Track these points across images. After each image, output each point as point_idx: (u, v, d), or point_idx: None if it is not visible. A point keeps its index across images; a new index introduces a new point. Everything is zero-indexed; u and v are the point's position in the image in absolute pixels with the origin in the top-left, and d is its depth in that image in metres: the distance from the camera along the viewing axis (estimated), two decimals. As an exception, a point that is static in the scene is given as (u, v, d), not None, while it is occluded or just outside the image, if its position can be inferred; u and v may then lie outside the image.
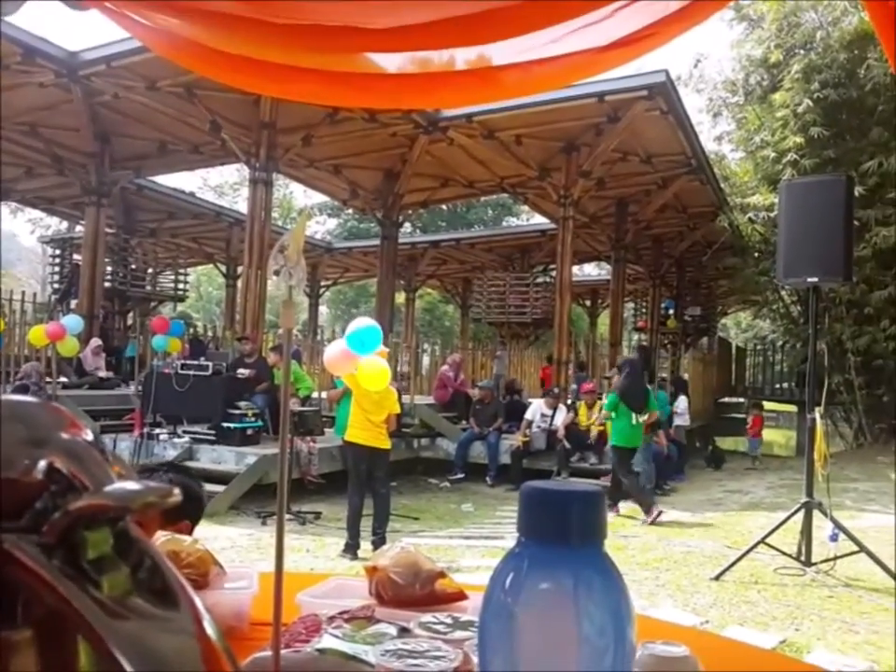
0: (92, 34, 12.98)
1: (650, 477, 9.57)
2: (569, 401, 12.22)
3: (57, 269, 17.28)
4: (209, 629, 0.45)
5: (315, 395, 10.69)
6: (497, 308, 18.56)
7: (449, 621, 1.19)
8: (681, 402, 12.10)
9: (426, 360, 19.69)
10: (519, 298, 17.90)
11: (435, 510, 8.75)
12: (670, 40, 1.75)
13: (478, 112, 11.41)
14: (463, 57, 1.91)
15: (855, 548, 5.62)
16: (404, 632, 1.17)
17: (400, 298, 27.46)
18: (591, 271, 43.01)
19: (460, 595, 1.36)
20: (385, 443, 6.50)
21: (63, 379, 10.97)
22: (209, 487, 7.94)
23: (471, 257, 22.15)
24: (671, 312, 20.31)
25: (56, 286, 16.73)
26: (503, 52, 1.86)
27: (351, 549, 6.46)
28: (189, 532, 1.83)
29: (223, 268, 21.38)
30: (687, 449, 12.39)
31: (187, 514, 1.89)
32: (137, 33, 1.94)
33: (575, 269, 18.88)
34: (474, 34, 1.79)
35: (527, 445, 10.70)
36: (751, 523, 8.04)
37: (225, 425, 8.92)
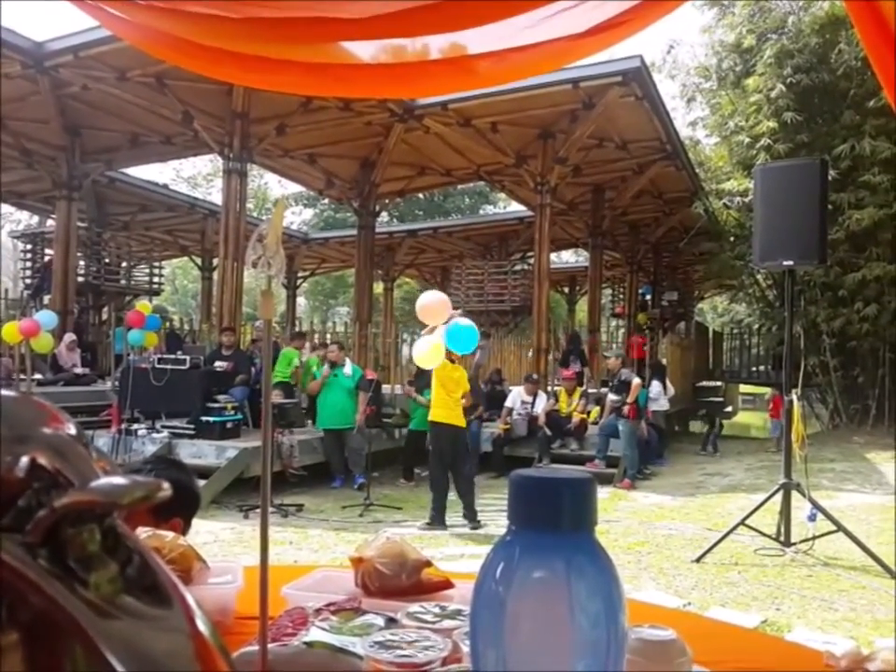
0: (57, 23, 12.75)
1: (633, 462, 9.67)
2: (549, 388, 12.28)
3: (29, 264, 17.03)
4: (202, 627, 0.44)
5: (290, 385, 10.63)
6: (475, 296, 18.53)
7: (437, 610, 1.19)
8: (654, 387, 12.21)
9: (405, 350, 19.67)
10: (497, 286, 17.92)
11: (418, 499, 8.76)
12: (647, 26, 1.75)
13: (453, 100, 11.37)
14: (437, 45, 1.90)
15: (833, 527, 5.71)
16: (392, 622, 1.17)
17: (379, 288, 27.40)
18: (569, 258, 43.13)
19: (447, 584, 1.36)
20: (464, 422, 7.05)
21: (37, 376, 10.83)
22: (189, 482, 7.91)
23: (449, 246, 22.14)
24: (648, 297, 20.44)
25: (28, 281, 16.49)
26: (478, 41, 1.85)
27: (438, 521, 6.92)
28: (183, 531, 1.78)
29: (198, 260, 21.20)
30: (666, 433, 12.49)
31: (179, 511, 1.84)
32: (108, 23, 1.91)
33: (553, 256, 18.91)
34: (447, 21, 1.78)
35: (508, 433, 10.73)
36: (731, 505, 8.14)
37: (204, 419, 8.86)
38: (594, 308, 16.99)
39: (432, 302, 6.45)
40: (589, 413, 11.36)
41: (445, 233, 21.14)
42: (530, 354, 13.65)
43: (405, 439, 9.99)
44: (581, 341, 15.87)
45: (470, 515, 7.16)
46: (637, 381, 9.84)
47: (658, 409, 12.12)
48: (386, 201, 17.62)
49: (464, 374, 7.02)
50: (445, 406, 6.87)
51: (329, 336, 15.43)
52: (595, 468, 9.71)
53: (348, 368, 9.53)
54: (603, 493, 8.83)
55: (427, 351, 6.46)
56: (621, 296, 22.56)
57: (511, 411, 10.99)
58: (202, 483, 7.88)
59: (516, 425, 10.81)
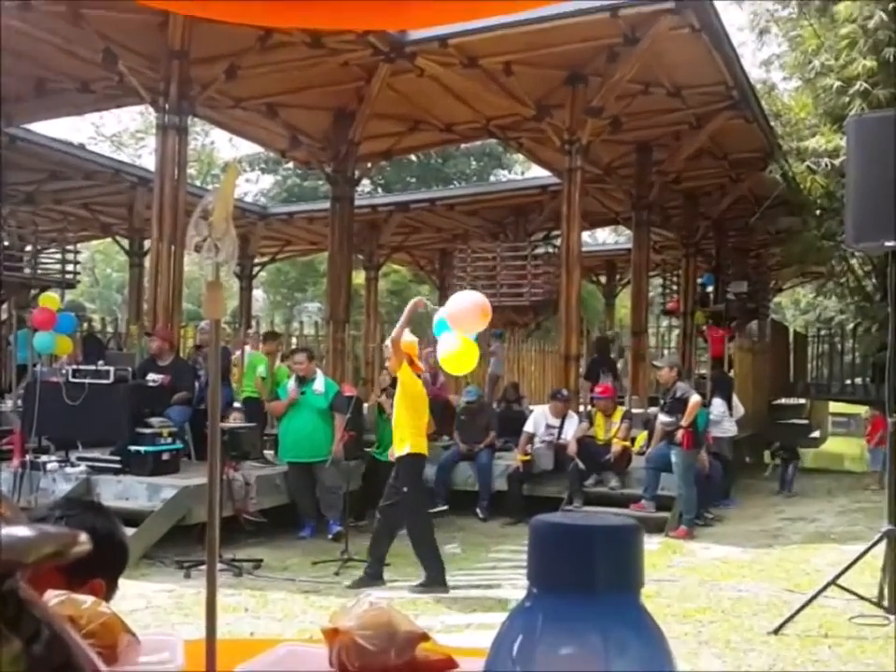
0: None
1: (691, 504, 9.67)
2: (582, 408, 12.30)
3: None
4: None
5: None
6: (485, 289, 18.51)
7: (436, 697, 1.19)
8: (717, 406, 12.22)
9: (394, 358, 19.65)
10: (514, 275, 17.95)
11: (410, 552, 8.76)
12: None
13: (455, 33, 11.38)
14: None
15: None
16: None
17: (359, 277, 27.46)
18: (606, 238, 43.30)
19: (449, 663, 1.37)
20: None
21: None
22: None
23: (451, 222, 22.17)
24: (710, 289, 20.44)
25: None
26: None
27: (436, 581, 6.97)
28: (105, 594, 1.77)
29: (125, 243, 21.23)
30: (733, 465, 12.50)
31: (101, 569, 1.81)
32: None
33: (586, 236, 18.96)
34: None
35: (529, 466, 10.74)
36: (819, 559, 8.14)
37: (133, 448, 8.85)
38: (638, 303, 17.00)
39: (467, 308, 6.32)
40: (633, 440, 11.35)
41: (445, 206, 21.18)
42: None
43: (372, 470, 10.00)
44: (609, 346, 15.89)
45: (373, 572, 7.21)
46: (695, 398, 9.84)
47: (723, 434, 12.13)
48: (369, 164, 17.62)
49: (424, 391, 7.20)
50: (416, 432, 6.99)
51: (294, 341, 15.45)
52: (641, 511, 9.71)
53: (320, 383, 9.54)
54: (652, 544, 8.82)
55: (456, 350, 6.44)
56: (674, 287, 22.59)
57: (531, 437, 10.98)
58: (129, 532, 7.89)
59: (539, 455, 10.81)
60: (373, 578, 7.20)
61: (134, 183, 18.62)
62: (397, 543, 9.14)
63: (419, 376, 7.08)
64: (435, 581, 7.08)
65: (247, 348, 11.85)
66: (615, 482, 10.60)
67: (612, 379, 14.32)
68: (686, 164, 16.17)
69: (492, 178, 38.33)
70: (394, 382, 7.72)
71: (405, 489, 6.91)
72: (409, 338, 7.05)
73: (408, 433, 6.98)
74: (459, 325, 6.34)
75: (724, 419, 12.28)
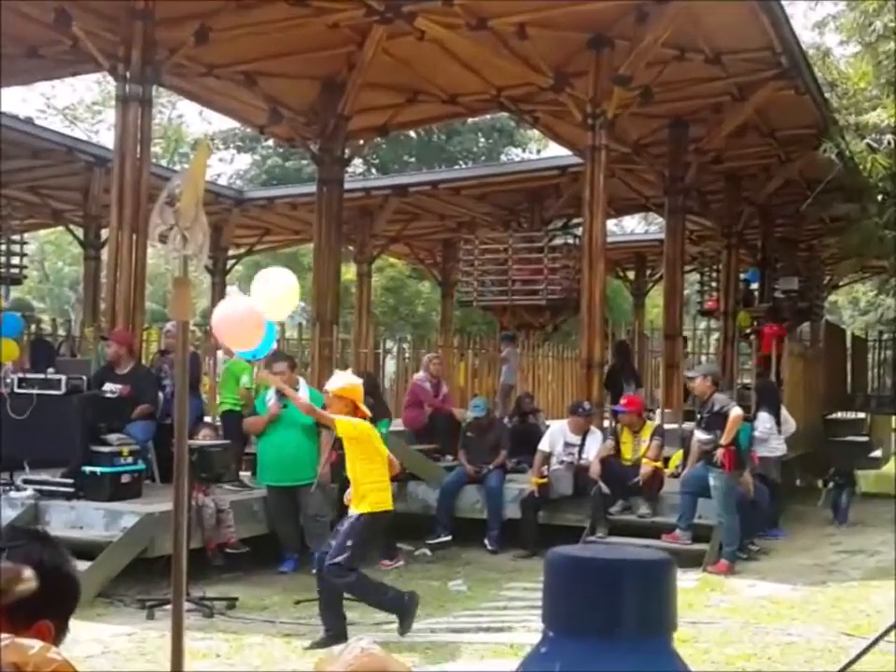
0: None
1: (733, 534, 9.65)
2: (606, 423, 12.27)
3: None
4: None
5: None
6: (495, 285, 18.51)
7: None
8: (763, 421, 12.18)
9: (390, 365, 19.65)
10: (528, 269, 17.91)
11: (409, 590, 8.75)
12: None
13: (461, -10, 11.41)
14: None
15: None
16: None
17: (350, 272, 27.47)
18: (635, 226, 43.28)
19: (453, 718, 1.36)
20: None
21: None
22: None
23: (455, 209, 22.18)
24: (755, 286, 20.42)
25: None
26: None
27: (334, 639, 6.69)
28: (55, 638, 1.77)
29: (79, 232, 21.20)
30: (782, 489, 12.48)
31: (50, 609, 1.80)
32: None
33: (611, 224, 18.94)
34: None
35: (545, 490, 10.73)
36: (880, 598, 8.11)
37: (88, 469, 8.84)
38: (672, 302, 16.99)
39: (237, 315, 5.94)
40: (666, 460, 11.31)
41: (449, 190, 21.17)
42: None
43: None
44: (631, 352, 15.88)
45: (334, 632, 6.85)
46: (736, 412, 9.81)
47: (770, 454, 12.10)
48: (361, 142, 17.59)
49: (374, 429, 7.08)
50: (378, 486, 6.84)
51: (274, 346, 15.42)
52: (675, 542, 9.69)
53: (303, 393, 9.53)
54: (688, 580, 8.81)
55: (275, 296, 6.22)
56: (713, 284, 22.55)
57: (548, 457, 10.97)
58: (83, 566, 7.88)
59: (557, 478, 10.80)
60: (336, 638, 6.73)
61: (90, 163, 18.60)
62: (392, 579, 9.14)
63: (365, 418, 6.94)
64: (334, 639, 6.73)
65: (220, 354, 11.87)
66: (645, 508, 10.57)
67: (635, 388, 14.34)
68: (727, 142, 16.14)
69: (503, 158, 38.36)
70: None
71: (350, 542, 6.73)
72: (348, 381, 6.98)
73: (368, 488, 6.84)
74: (233, 337, 6.25)
75: (772, 436, 12.25)
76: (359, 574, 6.93)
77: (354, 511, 6.85)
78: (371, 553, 7.89)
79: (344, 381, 6.96)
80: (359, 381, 7.15)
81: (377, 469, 6.88)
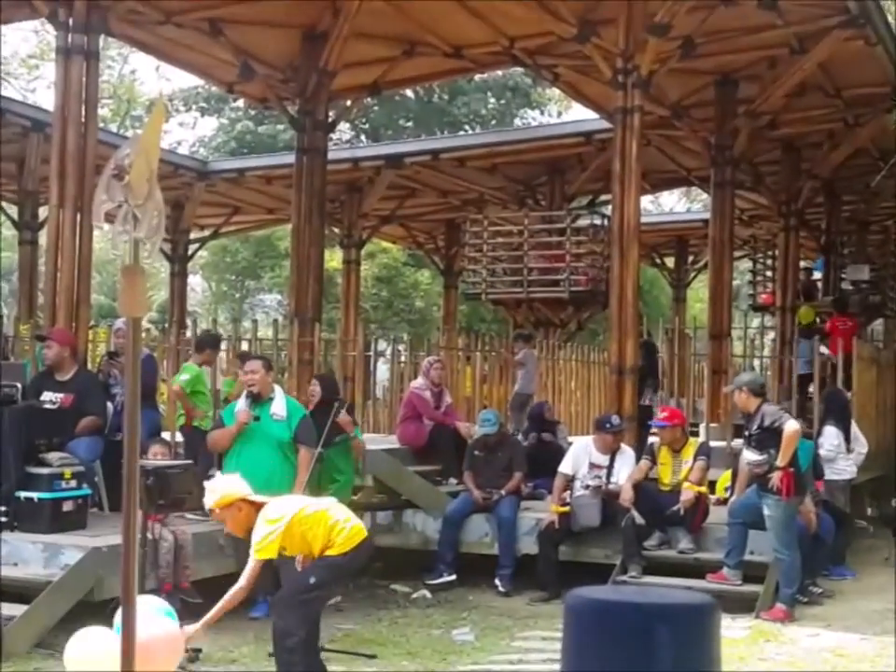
0: None
1: (792, 574, 9.61)
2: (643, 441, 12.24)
3: None
4: None
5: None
6: (507, 275, 18.54)
7: None
8: (829, 436, 12.12)
9: (382, 370, 19.61)
10: (547, 256, 17.96)
11: (405, 640, 8.75)
12: None
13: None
14: None
15: None
16: None
17: (335, 259, 27.48)
18: (674, 205, 43.20)
19: None
20: None
21: None
22: (-4, 607, 7.89)
23: (460, 183, 22.16)
24: (818, 275, 20.41)
25: None
26: None
27: None
28: None
29: (13, 211, 21.20)
30: (851, 520, 12.43)
31: None
32: None
33: (646, 201, 18.90)
34: None
35: (567, 520, 10.72)
36: (967, 649, 8.08)
37: (23, 495, 8.81)
38: (719, 295, 16.97)
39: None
40: (712, 484, 11.29)
41: (453, 161, 21.15)
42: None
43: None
44: (657, 352, 15.86)
45: None
46: (791, 426, 9.73)
47: (837, 477, 12.07)
48: (347, 102, 17.61)
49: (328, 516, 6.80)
50: (338, 535, 6.68)
51: (246, 345, 15.44)
52: (721, 582, 9.69)
53: (280, 404, 9.51)
54: (737, 628, 8.80)
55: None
56: (768, 273, 22.53)
57: (570, 480, 10.97)
58: (17, 610, 7.88)
59: (581, 506, 10.78)
60: None
61: (26, 128, 18.59)
62: (385, 628, 9.16)
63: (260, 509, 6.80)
64: None
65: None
66: (686, 542, 10.55)
67: (652, 393, 14.32)
68: (785, 103, 16.13)
69: (517, 122, 38.37)
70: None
71: (312, 580, 6.68)
72: (223, 488, 6.68)
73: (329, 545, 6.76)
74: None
75: (839, 456, 12.21)
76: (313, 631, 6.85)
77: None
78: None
79: (219, 489, 6.66)
80: (232, 478, 6.95)
81: (320, 536, 6.64)
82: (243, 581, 6.30)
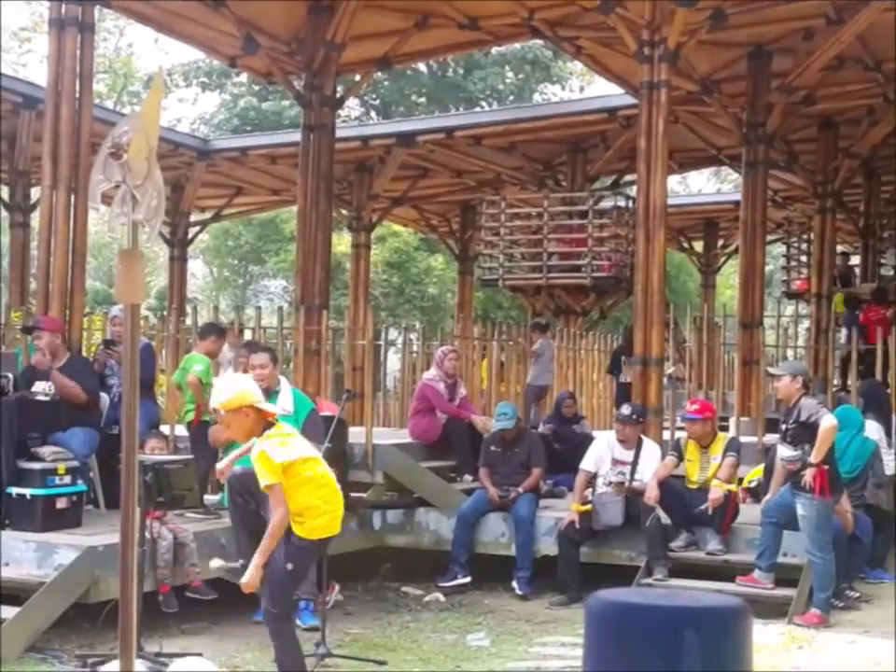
0: None
1: (827, 577, 9.59)
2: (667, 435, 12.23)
3: None
4: None
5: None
6: (526, 260, 18.51)
7: None
8: (869, 429, 12.09)
9: (393, 360, 19.64)
10: (568, 240, 17.93)
11: (417, 645, 8.75)
12: None
13: None
14: None
15: None
16: None
17: (343, 243, 27.49)
18: (703, 186, 43.12)
19: None
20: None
21: None
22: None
23: (476, 162, 22.11)
24: (855, 261, 20.32)
25: None
26: None
27: None
28: None
29: (3, 192, 21.23)
30: (891, 519, 12.40)
31: None
32: None
33: (674, 182, 18.84)
34: None
35: (588, 519, 10.72)
36: None
37: (15, 491, 8.84)
38: (750, 281, 16.93)
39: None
40: (741, 481, 11.27)
41: (469, 139, 21.12)
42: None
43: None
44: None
45: None
46: (828, 422, 9.70)
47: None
48: (357, 77, 17.58)
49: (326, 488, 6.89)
50: (314, 512, 6.74)
51: (250, 334, 15.47)
52: (753, 586, 9.67)
53: (286, 397, 9.52)
54: (770, 634, 8.78)
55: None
56: (803, 258, 22.48)
57: (592, 477, 10.97)
58: (8, 613, 7.91)
59: (603, 504, 10.78)
60: None
61: (17, 104, 18.61)
62: (396, 632, 9.17)
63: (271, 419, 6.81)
64: None
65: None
66: (715, 543, 10.53)
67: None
68: (821, 77, 16.07)
69: (536, 98, 38.32)
70: None
71: (290, 566, 6.71)
72: (235, 388, 6.72)
73: (308, 513, 6.72)
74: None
75: (882, 452, 12.18)
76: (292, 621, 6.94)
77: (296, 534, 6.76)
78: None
79: (231, 389, 6.72)
80: (246, 379, 7.06)
81: (315, 493, 6.77)
82: (279, 505, 6.42)
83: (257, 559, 6.41)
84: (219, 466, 7.82)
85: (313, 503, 6.66)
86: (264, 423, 6.61)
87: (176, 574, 8.95)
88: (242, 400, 6.55)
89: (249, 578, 6.38)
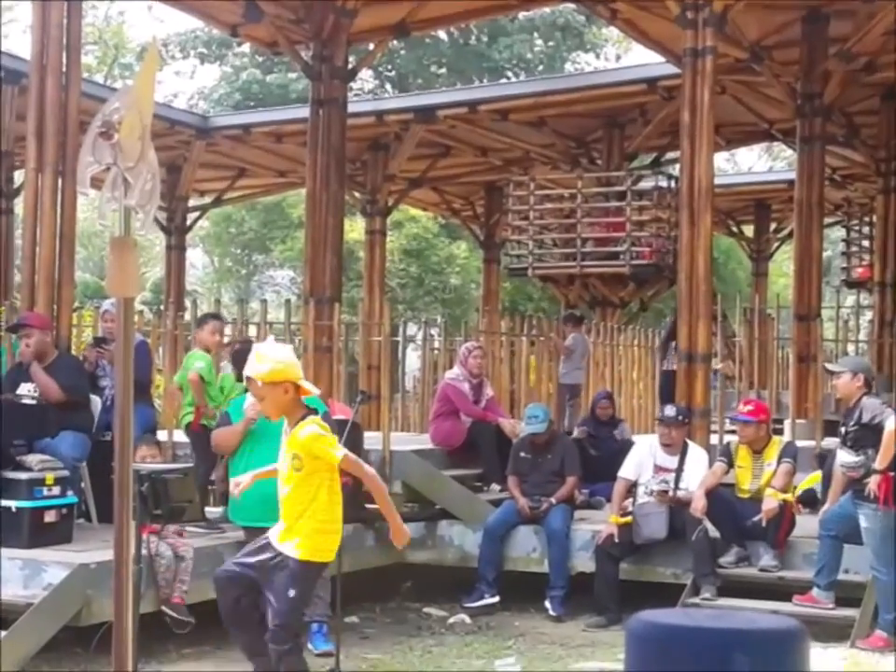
0: None
1: (893, 596, 9.56)
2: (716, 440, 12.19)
3: None
4: None
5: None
6: (558, 246, 18.48)
7: None
8: None
9: (412, 358, 19.64)
10: (604, 224, 17.90)
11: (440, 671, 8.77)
12: None
13: None
14: None
15: None
16: None
17: (356, 229, 27.50)
18: (754, 163, 43.03)
19: None
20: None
21: None
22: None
23: (502, 139, 22.09)
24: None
25: None
26: None
27: None
28: None
29: (-16, 176, 21.31)
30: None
31: None
32: None
33: (721, 159, 18.78)
34: None
35: (628, 533, 10.71)
36: None
37: (0, 504, 8.86)
38: (806, 269, 16.89)
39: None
40: (810, 493, 11.25)
41: (494, 113, 21.10)
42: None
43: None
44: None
45: None
46: (893, 423, 9.69)
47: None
48: (370, 46, 17.61)
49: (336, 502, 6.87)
50: (327, 527, 6.74)
51: (255, 330, 15.51)
52: (811, 605, 9.65)
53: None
54: (831, 658, 8.76)
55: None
56: (864, 243, 22.39)
57: (632, 486, 10.96)
58: (-6, 635, 7.94)
59: (644, 516, 10.77)
60: None
61: (-2, 79, 18.71)
62: (418, 657, 9.18)
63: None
64: None
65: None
66: (769, 559, 10.51)
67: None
68: (883, 43, 15.99)
69: (568, 68, 38.27)
70: None
71: (292, 593, 6.68)
72: (278, 358, 6.67)
73: (313, 527, 6.71)
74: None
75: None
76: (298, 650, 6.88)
77: (288, 551, 6.72)
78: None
79: (273, 359, 6.64)
80: (287, 351, 7.04)
81: (337, 508, 6.78)
82: (359, 467, 6.65)
83: (395, 518, 6.71)
84: (242, 479, 7.76)
85: (336, 516, 6.69)
86: (302, 407, 6.63)
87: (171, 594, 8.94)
88: (285, 374, 6.52)
89: (403, 532, 6.69)
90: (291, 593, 6.57)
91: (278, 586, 6.61)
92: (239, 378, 10.63)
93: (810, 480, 11.81)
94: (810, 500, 11.35)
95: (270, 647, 6.73)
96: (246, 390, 9.99)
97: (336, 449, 6.43)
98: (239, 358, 11.00)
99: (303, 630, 6.90)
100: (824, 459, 11.71)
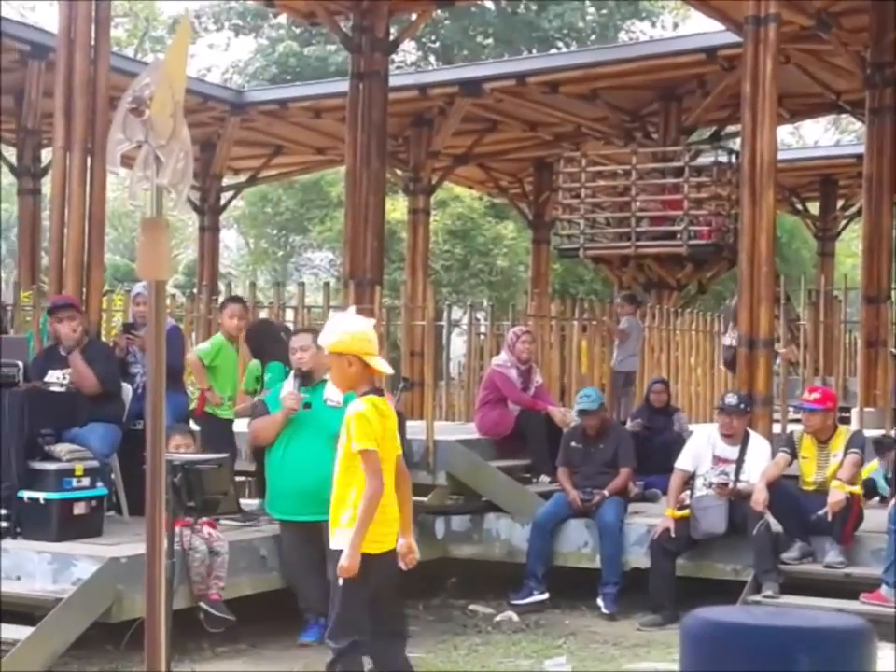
0: None
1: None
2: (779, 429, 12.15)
3: None
4: None
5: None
6: (611, 225, 18.42)
7: None
8: None
9: (457, 343, 19.63)
10: (660, 202, 17.83)
11: (487, 671, 8.77)
12: None
13: None
14: None
15: None
16: None
17: (398, 209, 27.52)
18: (818, 135, 42.70)
19: None
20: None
21: None
22: (-4, 632, 8.02)
23: (552, 113, 22.06)
24: None
25: None
26: None
27: None
28: None
29: (10, 155, 21.42)
30: None
31: None
32: None
33: (785, 133, 18.66)
34: None
35: (685, 527, 10.70)
36: None
37: (27, 495, 8.92)
38: (876, 248, 16.79)
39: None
40: (868, 483, 11.19)
41: (543, 86, 21.09)
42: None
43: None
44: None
45: None
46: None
47: None
48: (413, 16, 17.60)
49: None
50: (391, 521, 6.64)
51: (291, 314, 15.56)
52: (879, 603, 9.61)
53: (334, 387, 9.55)
54: (898, 659, 8.73)
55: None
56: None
57: (690, 478, 10.95)
58: (21, 633, 8.00)
59: (702, 509, 10.74)
60: None
61: (24, 53, 18.80)
62: (463, 657, 9.18)
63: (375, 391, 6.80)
64: None
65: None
66: (835, 555, 10.45)
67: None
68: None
69: (622, 37, 38.12)
70: None
71: (340, 580, 6.59)
72: (350, 328, 6.63)
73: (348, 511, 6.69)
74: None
75: None
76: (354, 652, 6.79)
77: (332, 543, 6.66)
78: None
79: (340, 330, 6.63)
80: (366, 323, 6.85)
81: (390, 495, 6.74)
82: (373, 476, 6.37)
83: (353, 541, 6.27)
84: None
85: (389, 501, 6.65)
86: (370, 383, 6.65)
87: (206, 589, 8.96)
88: (349, 347, 6.52)
89: (348, 561, 6.25)
90: (340, 581, 6.53)
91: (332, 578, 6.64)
92: (254, 356, 10.73)
93: (867, 469, 11.75)
94: (868, 491, 11.27)
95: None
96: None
97: (361, 440, 6.35)
98: (249, 338, 11.07)
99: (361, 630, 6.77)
100: (881, 445, 11.66)
